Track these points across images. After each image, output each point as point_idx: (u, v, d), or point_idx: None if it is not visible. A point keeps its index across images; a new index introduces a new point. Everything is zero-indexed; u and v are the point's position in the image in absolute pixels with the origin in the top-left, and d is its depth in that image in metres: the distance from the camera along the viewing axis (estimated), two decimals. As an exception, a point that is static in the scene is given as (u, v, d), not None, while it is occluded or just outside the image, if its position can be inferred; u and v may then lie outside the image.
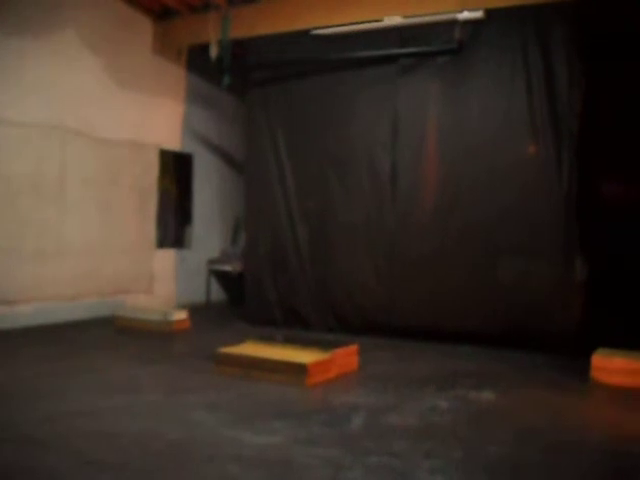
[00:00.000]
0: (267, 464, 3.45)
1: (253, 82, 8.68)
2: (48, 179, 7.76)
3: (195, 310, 8.30)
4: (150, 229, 9.22)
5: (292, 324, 8.13)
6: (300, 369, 5.14)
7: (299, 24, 7.98)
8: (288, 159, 8.35)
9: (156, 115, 9.33)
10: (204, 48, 8.53)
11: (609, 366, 5.62)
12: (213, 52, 8.36)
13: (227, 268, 9.91)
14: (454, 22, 7.22)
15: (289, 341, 6.02)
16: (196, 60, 9.52)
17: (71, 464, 3.39)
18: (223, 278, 10.29)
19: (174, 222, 9.84)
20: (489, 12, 7.03)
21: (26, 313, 7.52)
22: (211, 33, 8.42)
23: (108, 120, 8.54)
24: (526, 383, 5.58)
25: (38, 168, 7.63)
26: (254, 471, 3.35)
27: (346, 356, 5.77)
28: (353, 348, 5.91)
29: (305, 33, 7.96)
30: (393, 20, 7.49)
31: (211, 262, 10.08)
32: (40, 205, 7.67)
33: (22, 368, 5.54)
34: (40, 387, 4.94)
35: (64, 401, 4.57)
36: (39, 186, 7.65)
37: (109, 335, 7.36)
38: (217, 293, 10.33)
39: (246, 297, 8.62)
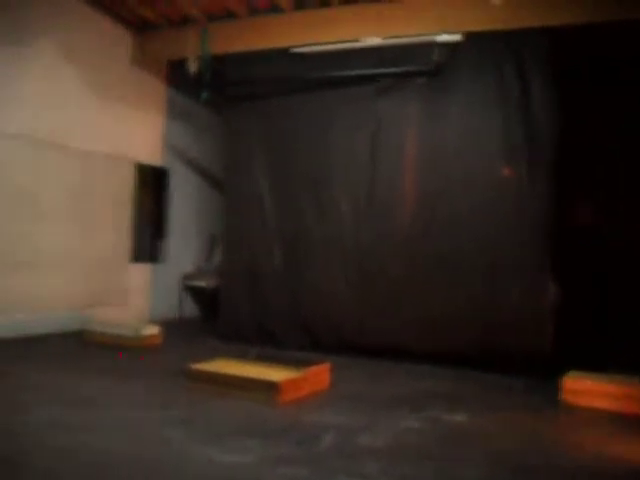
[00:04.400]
0: (235, 483, 3.40)
1: (231, 98, 8.68)
2: (23, 190, 7.66)
3: (168, 325, 8.22)
4: (124, 243, 9.13)
5: (265, 342, 8.07)
6: (272, 387, 5.09)
7: (278, 42, 8.03)
8: (265, 176, 8.34)
9: (134, 128, 9.28)
10: (184, 62, 8.52)
11: (579, 388, 5.65)
12: (192, 67, 8.36)
13: (202, 284, 9.85)
14: (432, 44, 7.30)
15: (261, 358, 5.98)
16: (176, 74, 9.50)
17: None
18: (197, 294, 10.22)
19: (149, 236, 9.76)
20: (467, 34, 7.12)
21: (-5, 325, 7.39)
22: (190, 48, 8.43)
23: (85, 132, 8.47)
24: (498, 405, 5.58)
25: (13, 179, 7.54)
26: (222, 490, 3.30)
27: (318, 374, 5.74)
28: (325, 366, 5.88)
29: (284, 51, 8.00)
30: (372, 41, 7.56)
31: (186, 277, 10.01)
32: (14, 216, 7.56)
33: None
34: (5, 401, 4.83)
35: (26, 415, 4.47)
36: (14, 197, 7.54)
37: (78, 349, 7.25)
38: (191, 309, 10.25)
39: (220, 314, 8.56)
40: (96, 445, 3.90)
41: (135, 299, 9.30)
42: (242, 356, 6.06)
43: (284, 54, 8.02)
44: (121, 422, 4.44)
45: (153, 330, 7.68)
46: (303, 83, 8.21)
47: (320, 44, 7.80)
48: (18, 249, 7.62)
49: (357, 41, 7.61)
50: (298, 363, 5.76)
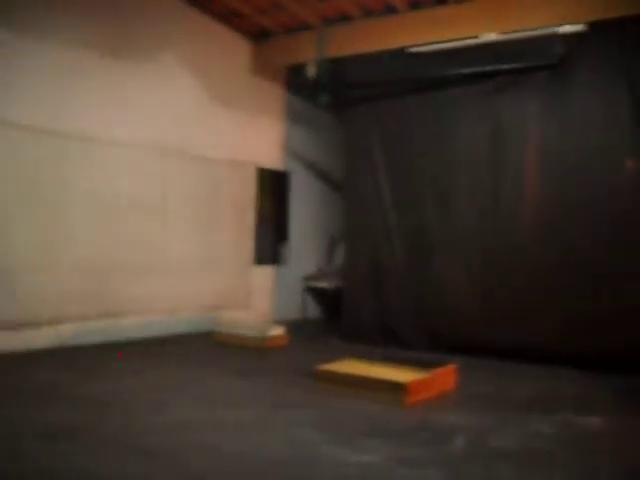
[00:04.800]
0: (368, 484, 3.44)
1: (350, 101, 8.76)
2: (151, 197, 8.08)
3: (291, 326, 8.39)
4: (248, 246, 9.42)
5: (387, 341, 8.07)
6: (399, 388, 5.10)
7: (393, 42, 8.00)
8: (385, 176, 8.36)
9: (254, 134, 9.55)
10: (302, 67, 8.69)
11: None
12: (310, 71, 8.51)
13: (323, 285, 9.99)
14: (554, 36, 7.07)
15: (387, 359, 6.00)
16: (294, 79, 9.70)
17: (175, 477, 3.48)
18: (319, 295, 10.37)
19: (271, 239, 10.02)
20: (591, 24, 6.85)
21: (129, 326, 7.82)
22: (307, 53, 8.59)
23: (207, 139, 8.81)
24: (632, 409, 5.34)
25: (142, 187, 7.97)
26: (355, 490, 3.35)
27: (445, 375, 5.69)
28: (452, 367, 5.82)
29: (401, 51, 7.98)
30: (490, 37, 7.41)
31: (307, 279, 10.18)
32: (144, 222, 7.99)
33: (126, 380, 5.74)
34: (143, 399, 5.09)
35: (167, 414, 4.70)
36: (143, 204, 7.97)
37: (208, 349, 7.53)
38: (313, 310, 10.41)
39: (343, 314, 8.66)
40: (233, 443, 4.05)
41: (259, 301, 9.57)
42: (368, 357, 6.10)
43: (400, 54, 8.00)
44: (251, 422, 4.58)
45: (278, 331, 7.87)
46: (420, 82, 8.16)
47: (436, 43, 7.73)
48: (150, 255, 8.03)
49: (475, 38, 7.49)
50: (423, 364, 5.75)
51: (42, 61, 6.91)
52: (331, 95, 8.58)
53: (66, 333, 7.18)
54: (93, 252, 7.42)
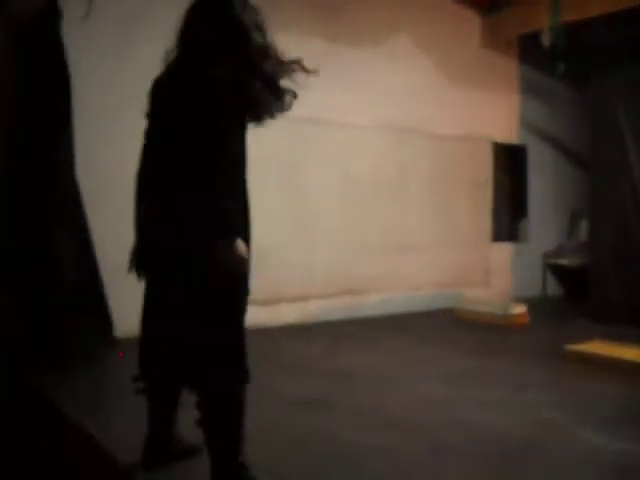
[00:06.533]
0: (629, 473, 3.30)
1: (591, 69, 8.26)
2: (388, 177, 8.30)
3: (531, 304, 8.16)
4: (485, 223, 9.33)
5: (638, 322, 7.56)
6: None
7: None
8: (635, 147, 7.77)
9: (487, 109, 9.37)
10: (535, 37, 8.34)
11: None
12: (545, 39, 8.13)
13: (564, 262, 9.58)
14: None
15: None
16: (527, 50, 9.35)
17: (424, 449, 3.60)
18: (560, 272, 9.96)
19: (508, 215, 9.81)
20: None
21: (370, 303, 8.11)
22: (542, 20, 8.21)
23: (441, 117, 8.81)
24: None
25: (378, 167, 8.20)
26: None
27: None
28: None
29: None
30: None
31: (547, 256, 9.82)
32: (381, 202, 8.23)
33: (369, 355, 5.99)
34: (388, 374, 5.30)
35: (412, 389, 4.84)
36: (380, 184, 8.21)
37: (448, 327, 7.60)
38: (553, 287, 10.04)
39: (589, 292, 8.25)
40: (481, 421, 4.08)
41: (498, 278, 9.43)
42: (618, 338, 5.79)
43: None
44: (500, 400, 4.57)
45: (520, 309, 7.71)
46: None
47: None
48: (387, 232, 8.26)
49: None
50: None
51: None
52: (569, 63, 8.15)
53: (311, 309, 7.62)
54: (337, 232, 7.82)
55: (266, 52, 2.87)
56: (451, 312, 8.11)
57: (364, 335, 6.99)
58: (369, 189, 8.12)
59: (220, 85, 2.66)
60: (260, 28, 2.89)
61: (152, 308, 3.01)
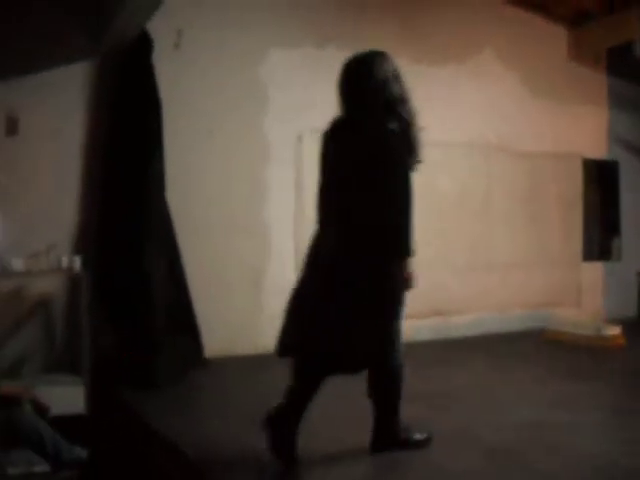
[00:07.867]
0: None
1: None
2: (474, 194, 8.19)
3: (626, 325, 7.82)
4: (576, 241, 9.05)
5: None
6: None
7: None
8: None
9: (576, 124, 9.11)
10: (624, 48, 8.09)
11: None
12: (637, 50, 7.90)
13: (662, 280, 9.18)
14: None
15: None
16: (616, 62, 9.08)
17: (525, 477, 3.48)
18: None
19: (600, 233, 9.49)
20: None
21: (459, 324, 7.97)
22: (633, 30, 7.96)
23: (529, 132, 8.63)
24: None
25: (464, 184, 8.10)
26: None
27: None
28: None
29: None
30: None
31: (642, 274, 9.43)
32: (470, 220, 8.12)
33: (460, 377, 5.87)
34: (480, 397, 5.17)
35: (505, 413, 4.71)
36: (466, 201, 8.11)
37: (539, 348, 7.36)
38: (649, 307, 9.61)
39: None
40: (579, 448, 3.93)
41: (590, 298, 9.10)
42: None
43: None
44: (595, 425, 4.41)
45: (615, 330, 7.41)
46: None
47: None
48: (474, 251, 8.13)
49: None
50: None
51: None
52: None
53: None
54: (424, 251, 7.70)
55: (405, 100, 3.60)
56: (541, 333, 7.87)
57: (454, 357, 6.85)
58: (456, 207, 8.02)
59: (396, 137, 3.46)
60: (398, 78, 3.62)
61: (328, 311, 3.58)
